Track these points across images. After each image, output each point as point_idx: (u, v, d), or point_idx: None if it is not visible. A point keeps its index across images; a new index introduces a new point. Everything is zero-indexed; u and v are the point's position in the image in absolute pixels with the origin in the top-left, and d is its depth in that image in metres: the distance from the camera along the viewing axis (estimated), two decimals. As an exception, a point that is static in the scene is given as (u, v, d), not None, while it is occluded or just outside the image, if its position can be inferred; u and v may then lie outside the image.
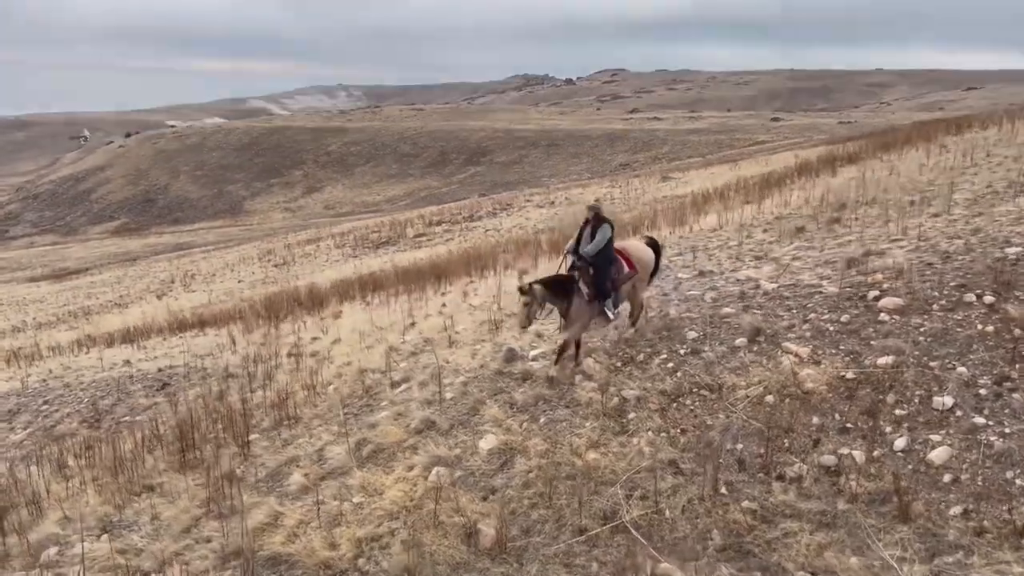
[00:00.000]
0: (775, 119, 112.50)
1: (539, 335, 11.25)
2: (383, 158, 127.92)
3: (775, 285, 10.54)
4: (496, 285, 17.74)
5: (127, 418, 14.37)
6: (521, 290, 9.68)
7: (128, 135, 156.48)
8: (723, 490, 7.51)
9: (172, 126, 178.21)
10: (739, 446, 7.88)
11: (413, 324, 14.70)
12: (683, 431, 8.29)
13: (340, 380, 12.43)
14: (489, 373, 10.55)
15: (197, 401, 13.90)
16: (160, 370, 16.98)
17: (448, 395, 10.29)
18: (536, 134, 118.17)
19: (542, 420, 9.08)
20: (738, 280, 11.35)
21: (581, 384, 9.51)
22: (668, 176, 52.14)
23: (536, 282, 9.89)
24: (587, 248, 10.07)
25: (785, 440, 7.78)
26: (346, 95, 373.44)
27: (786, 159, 45.15)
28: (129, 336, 25.79)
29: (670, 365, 9.34)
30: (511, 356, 10.74)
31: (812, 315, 9.45)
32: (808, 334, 9.10)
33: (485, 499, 8.20)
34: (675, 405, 8.65)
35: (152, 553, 8.90)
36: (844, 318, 9.29)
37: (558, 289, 9.86)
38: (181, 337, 23.24)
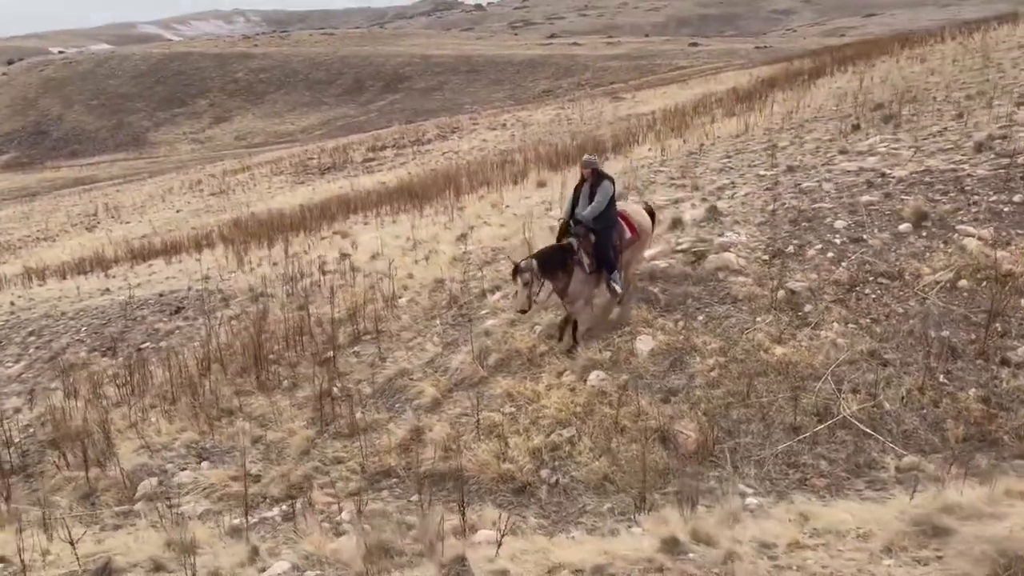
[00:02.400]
0: (693, 44, 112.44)
1: (676, 224, 10.47)
2: (295, 86, 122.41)
3: (906, 172, 10.11)
4: (525, 196, 16.92)
5: (148, 344, 13.06)
6: (517, 268, 8.23)
7: (11, 62, 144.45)
8: (942, 379, 7.09)
9: (60, 52, 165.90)
10: (944, 333, 7.48)
11: (463, 235, 13.75)
12: (874, 321, 7.82)
13: (411, 292, 11.48)
14: (605, 275, 9.79)
15: (232, 323, 12.73)
16: (161, 295, 15.56)
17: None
18: (455, 60, 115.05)
19: (700, 318, 8.47)
20: (847, 171, 10.90)
21: (728, 280, 8.90)
22: (617, 97, 51.49)
23: (533, 256, 8.44)
24: (585, 212, 8.65)
25: (997, 324, 7.39)
26: (244, 20, 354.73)
27: (737, 78, 45.11)
28: (83, 267, 23.80)
29: (830, 255, 8.83)
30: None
31: (976, 197, 9.07)
32: (981, 216, 8.72)
33: (667, 401, 7.59)
34: (853, 295, 8.17)
35: (276, 478, 7.96)
36: (1017, 198, 8.93)
37: (554, 263, 8.40)
38: (150, 265, 21.55)
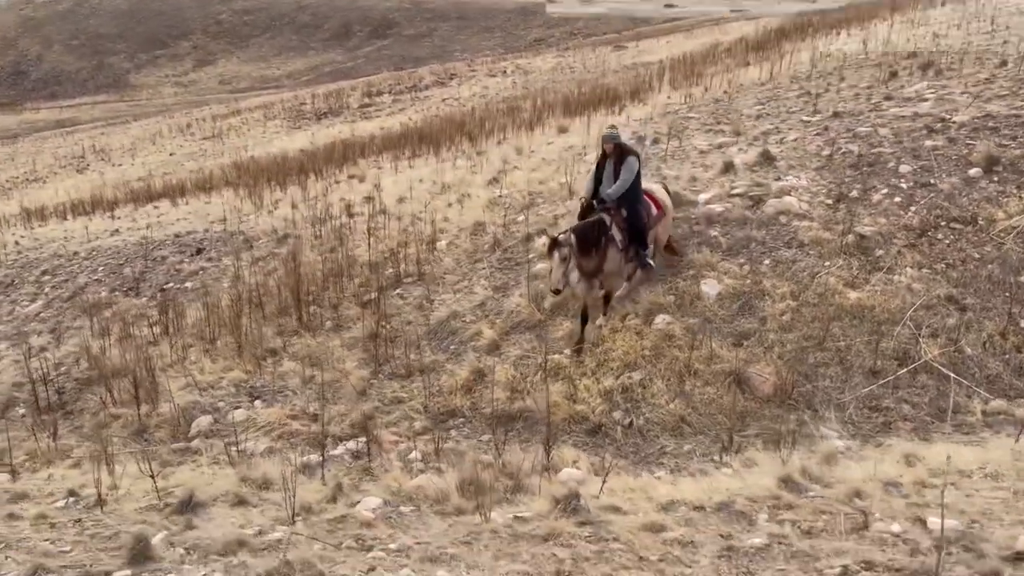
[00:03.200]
0: (668, 6, 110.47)
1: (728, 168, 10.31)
2: (280, 29, 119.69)
3: (967, 117, 9.96)
4: (547, 141, 16.64)
5: (172, 285, 12.82)
6: (555, 242, 7.56)
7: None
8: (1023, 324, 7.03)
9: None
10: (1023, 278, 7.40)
11: (495, 179, 13.50)
12: (949, 266, 7.74)
13: (449, 236, 11.28)
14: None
15: (260, 264, 12.52)
16: (177, 236, 15.27)
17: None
18: (446, 6, 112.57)
19: (766, 262, 8.36)
20: (901, 116, 10.75)
21: (792, 223, 8.77)
22: (619, 46, 50.80)
23: (570, 230, 7.81)
24: (610, 190, 8.10)
25: (1078, 270, 7.34)
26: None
27: (742, 28, 44.53)
28: (83, 208, 23.37)
29: (898, 199, 8.72)
30: (677, 200, 9.85)
31: (1048, 143, 8.95)
32: (1055, 162, 8.61)
33: (739, 345, 7.52)
34: (925, 240, 8.09)
35: (335, 418, 7.85)
36: (1090, 145, 8.83)
37: (591, 239, 7.81)
38: (156, 207, 21.15)
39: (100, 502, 5.89)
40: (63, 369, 10.09)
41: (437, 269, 10.44)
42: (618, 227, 8.07)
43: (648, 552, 4.18)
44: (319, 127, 39.08)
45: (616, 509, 4.91)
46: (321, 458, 6.98)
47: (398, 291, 10.27)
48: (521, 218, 11.25)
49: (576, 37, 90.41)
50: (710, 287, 8.19)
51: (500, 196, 12.41)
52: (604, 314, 8.29)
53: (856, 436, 6.41)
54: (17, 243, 18.26)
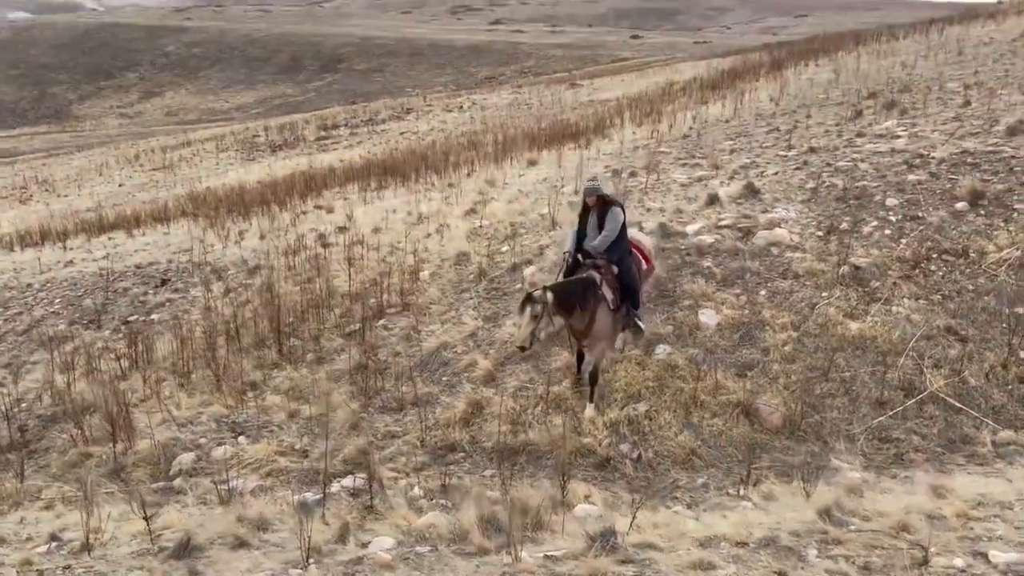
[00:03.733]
0: (635, 36, 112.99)
1: (713, 200, 10.32)
2: (230, 62, 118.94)
3: (945, 153, 10.16)
4: (519, 173, 16.58)
5: (136, 317, 12.33)
6: (529, 299, 7.05)
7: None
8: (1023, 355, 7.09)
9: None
10: (1020, 310, 7.49)
11: (473, 210, 13.35)
12: (946, 297, 7.80)
13: (431, 266, 11.08)
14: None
15: (231, 296, 12.12)
16: (138, 267, 14.73)
17: (609, 273, 9.23)
18: (396, 42, 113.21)
19: (762, 293, 8.34)
20: (878, 152, 10.94)
21: (784, 255, 8.79)
22: (574, 84, 51.38)
23: (548, 288, 7.22)
24: (595, 242, 7.63)
25: (1071, 302, 7.45)
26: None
27: (695, 68, 45.41)
28: (32, 239, 22.55)
29: (888, 232, 8.80)
30: (665, 232, 9.83)
31: (1027, 178, 9.15)
32: (1038, 197, 8.80)
33: (742, 376, 7.44)
34: (919, 272, 8.15)
35: (327, 453, 7.51)
36: (1070, 180, 9.05)
37: (575, 298, 7.25)
38: (110, 238, 20.46)
39: (87, 547, 5.48)
40: (23, 406, 9.54)
41: (422, 299, 10.20)
42: (609, 286, 7.53)
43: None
44: (275, 159, 38.55)
45: (651, 546, 4.72)
46: (321, 496, 6.66)
47: (382, 322, 10.00)
48: (505, 248, 11.11)
49: (527, 75, 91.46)
50: (709, 317, 8.12)
51: (480, 227, 12.26)
52: (591, 400, 7.37)
53: (869, 468, 6.34)
54: (-36, 274, 17.44)
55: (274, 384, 9.07)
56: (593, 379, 7.43)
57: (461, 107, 46.47)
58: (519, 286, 9.97)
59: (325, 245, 13.48)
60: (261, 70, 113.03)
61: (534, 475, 6.81)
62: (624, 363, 7.80)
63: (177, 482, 7.41)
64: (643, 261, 8.02)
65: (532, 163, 18.38)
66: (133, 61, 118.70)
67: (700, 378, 7.28)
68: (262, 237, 15.47)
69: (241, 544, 5.49)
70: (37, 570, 5.11)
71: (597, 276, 7.52)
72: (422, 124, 42.17)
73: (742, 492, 6.04)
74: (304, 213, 17.91)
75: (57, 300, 13.82)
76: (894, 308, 7.76)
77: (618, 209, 7.66)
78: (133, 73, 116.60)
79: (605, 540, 4.59)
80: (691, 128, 18.66)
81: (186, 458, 7.66)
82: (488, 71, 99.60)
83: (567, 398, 7.59)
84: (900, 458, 6.47)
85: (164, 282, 13.61)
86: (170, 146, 52.32)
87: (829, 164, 10.93)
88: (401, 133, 40.10)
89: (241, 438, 8.01)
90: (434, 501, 6.45)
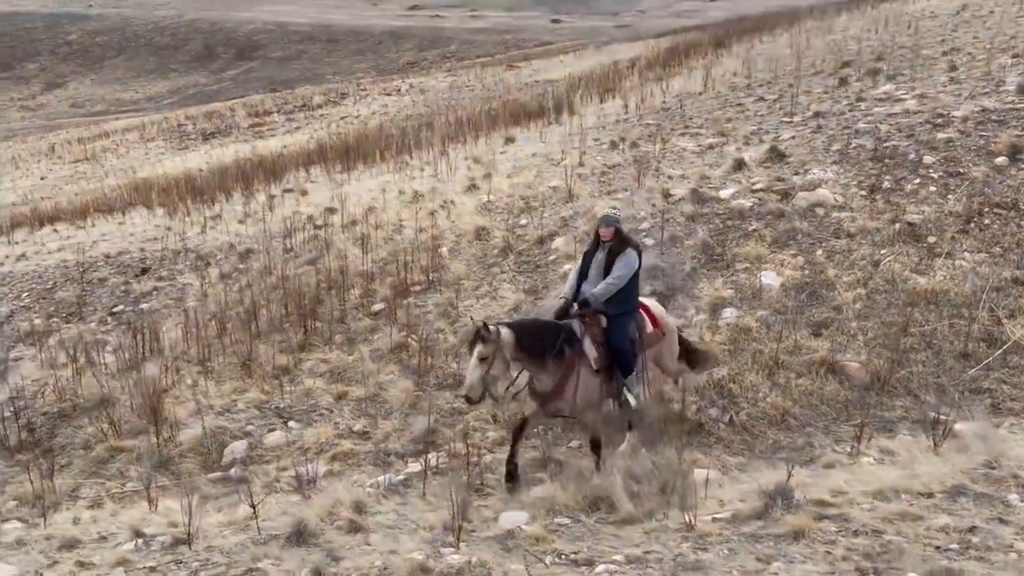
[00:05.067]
0: (555, 20, 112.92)
1: (739, 165, 10.22)
2: (137, 51, 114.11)
3: (965, 112, 10.29)
4: (500, 151, 16.26)
5: (123, 308, 11.61)
6: (479, 336, 5.68)
7: None
8: (1094, 302, 7.20)
9: None
10: (1081, 259, 7.61)
11: (474, 186, 12.99)
12: (1006, 249, 7.88)
13: (447, 243, 10.72)
14: (684, 216, 9.45)
15: (227, 281, 11.54)
16: (109, 256, 13.90)
17: (649, 240, 9.08)
18: (313, 28, 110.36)
19: (819, 252, 8.29)
20: (894, 114, 11.02)
21: (832, 215, 8.76)
22: (512, 66, 51.09)
23: (506, 325, 5.92)
24: (596, 289, 6.18)
25: None
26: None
27: (632, 50, 45.67)
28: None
29: (933, 188, 8.85)
30: (698, 197, 9.70)
31: (1059, 133, 9.32)
32: (1075, 150, 8.95)
33: (817, 335, 7.36)
34: (973, 226, 8.19)
35: (390, 434, 7.17)
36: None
37: (541, 344, 5.89)
38: (55, 230, 19.36)
39: (187, 540, 5.01)
40: (21, 404, 8.81)
41: (448, 276, 9.82)
42: (593, 340, 6.11)
43: (947, 541, 3.84)
44: (210, 147, 37.18)
45: (825, 503, 4.55)
46: (404, 476, 6.31)
47: (408, 300, 9.59)
48: (524, 221, 10.81)
49: (449, 60, 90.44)
50: (770, 279, 8.01)
51: (489, 202, 11.92)
52: (598, 468, 5.95)
53: (970, 420, 6.29)
54: (-101, 273, 16.16)
55: (308, 367, 8.60)
56: (595, 446, 6.11)
57: (399, 91, 45.75)
58: (552, 258, 9.71)
59: (317, 227, 12.92)
60: (172, 59, 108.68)
61: (620, 443, 6.56)
62: (695, 328, 7.63)
63: (233, 471, 6.93)
64: (648, 323, 6.46)
65: (510, 140, 18.06)
66: (33, 51, 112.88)
67: (780, 339, 7.15)
68: (241, 221, 14.79)
69: (356, 528, 5.13)
70: (149, 568, 4.64)
71: (579, 326, 6.14)
72: (362, 108, 41.30)
73: (855, 449, 5.92)
74: (272, 196, 17.21)
75: (24, 294, 12.93)
76: (958, 262, 7.79)
77: (634, 254, 6.24)
78: (33, 64, 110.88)
79: (785, 498, 4.40)
80: (664, 102, 18.61)
81: (239, 446, 7.18)
82: (410, 56, 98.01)
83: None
84: (997, 408, 6.48)
85: (144, 271, 12.85)
86: (85, 137, 50.00)
87: (847, 127, 10.97)
88: (342, 118, 39.17)
89: (292, 423, 7.55)
90: (531, 476, 6.14)
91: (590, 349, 6.10)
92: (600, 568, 3.91)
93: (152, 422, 7.34)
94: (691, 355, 6.89)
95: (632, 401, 6.21)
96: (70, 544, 5.24)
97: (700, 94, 18.56)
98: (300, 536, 4.92)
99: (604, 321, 6.22)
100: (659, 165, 11.53)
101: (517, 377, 5.88)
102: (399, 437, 7.13)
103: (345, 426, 7.41)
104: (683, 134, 13.70)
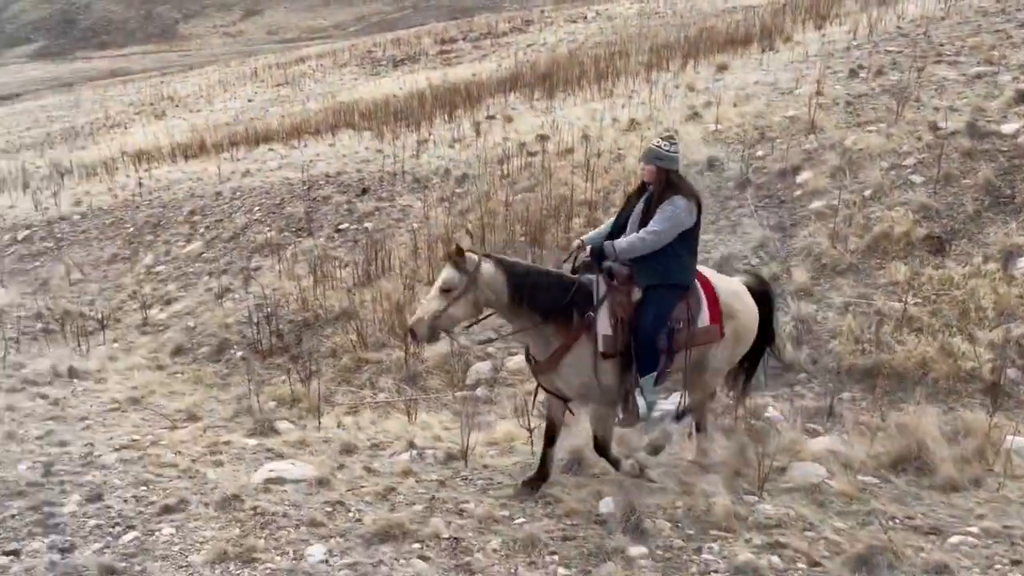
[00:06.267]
0: None
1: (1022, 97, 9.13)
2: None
3: None
4: (716, 78, 15.42)
5: (347, 225, 11.95)
6: (451, 258, 4.55)
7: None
8: None
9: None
10: None
11: (696, 114, 12.38)
12: None
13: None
14: (959, 152, 8.51)
15: (445, 204, 11.61)
16: (328, 176, 14.35)
17: (916, 177, 8.25)
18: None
19: None
20: None
21: None
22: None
23: (495, 260, 4.67)
24: (621, 241, 4.67)
25: None
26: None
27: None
28: (191, 151, 22.68)
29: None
30: (975, 132, 8.72)
31: None
32: None
33: None
34: None
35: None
36: None
37: (537, 294, 4.58)
38: (270, 149, 20.31)
39: (464, 455, 5.02)
40: (267, 311, 9.27)
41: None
42: (611, 311, 4.59)
43: None
44: (400, 74, 37.97)
45: None
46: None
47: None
48: (761, 153, 10.16)
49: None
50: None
51: (717, 130, 11.31)
52: (611, 462, 4.76)
53: None
54: (141, 183, 17.57)
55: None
56: (601, 452, 4.73)
57: (585, 18, 44.66)
58: (797, 193, 9.07)
59: (531, 153, 12.77)
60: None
61: (903, 400, 6.03)
62: (982, 278, 6.86)
63: (479, 391, 6.96)
64: (705, 311, 4.77)
65: (723, 68, 17.08)
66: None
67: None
68: (451, 146, 14.90)
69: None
70: (433, 480, 4.66)
71: (602, 285, 4.66)
72: (549, 36, 40.65)
73: None
74: (478, 123, 17.24)
75: (256, 208, 13.62)
76: None
77: (683, 204, 4.62)
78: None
79: None
80: (900, 27, 16.94)
81: (483, 367, 7.22)
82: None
83: (914, 316, 6.71)
84: None
85: (364, 191, 13.20)
86: (283, 63, 52.32)
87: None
88: (528, 45, 38.73)
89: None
90: (806, 426, 5.75)
91: (604, 319, 4.56)
92: (955, 539, 3.51)
93: (399, 337, 7.46)
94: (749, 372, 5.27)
95: (642, 405, 4.58)
96: (348, 449, 5.38)
97: (943, 19, 16.79)
98: (578, 464, 4.80)
99: (637, 293, 4.68)
100: (918, 95, 10.47)
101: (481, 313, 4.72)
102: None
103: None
104: (937, 62, 12.38)
